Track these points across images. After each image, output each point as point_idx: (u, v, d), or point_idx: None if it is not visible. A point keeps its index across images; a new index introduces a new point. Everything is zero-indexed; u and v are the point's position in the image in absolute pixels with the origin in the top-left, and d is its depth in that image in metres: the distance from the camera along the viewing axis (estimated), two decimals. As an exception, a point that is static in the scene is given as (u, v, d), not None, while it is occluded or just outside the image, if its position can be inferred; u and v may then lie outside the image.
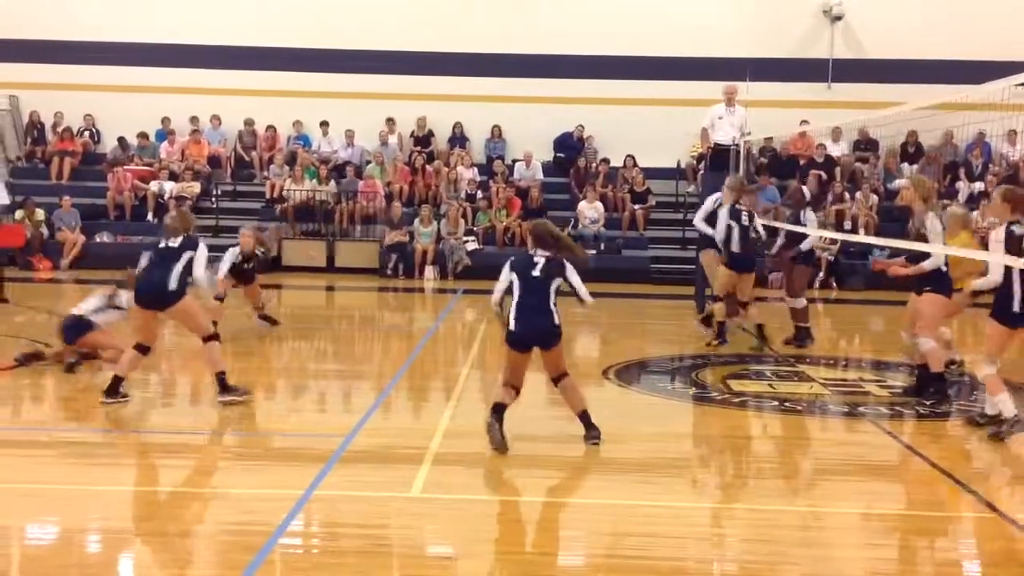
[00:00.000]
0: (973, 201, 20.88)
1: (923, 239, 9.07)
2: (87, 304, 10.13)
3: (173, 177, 21.90)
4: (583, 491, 6.71)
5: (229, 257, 12.39)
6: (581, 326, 15.33)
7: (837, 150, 22.25)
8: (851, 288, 19.24)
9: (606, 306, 16.62)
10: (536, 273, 7.55)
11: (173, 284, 8.50)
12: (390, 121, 22.88)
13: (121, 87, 22.95)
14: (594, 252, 20.44)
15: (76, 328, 9.87)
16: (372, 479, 6.76)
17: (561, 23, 22.75)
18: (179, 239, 8.75)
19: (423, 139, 23.06)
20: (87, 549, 5.60)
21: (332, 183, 21.53)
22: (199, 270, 8.67)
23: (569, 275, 7.65)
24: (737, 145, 14.79)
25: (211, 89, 23.00)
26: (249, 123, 23.19)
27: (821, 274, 19.46)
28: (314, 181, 21.55)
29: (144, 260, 8.92)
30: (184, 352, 11.01)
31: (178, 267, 8.54)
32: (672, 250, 20.78)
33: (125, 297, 9.84)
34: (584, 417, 7.68)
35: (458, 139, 23.14)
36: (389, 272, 19.92)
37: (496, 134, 23.25)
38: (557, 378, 7.71)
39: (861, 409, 9.08)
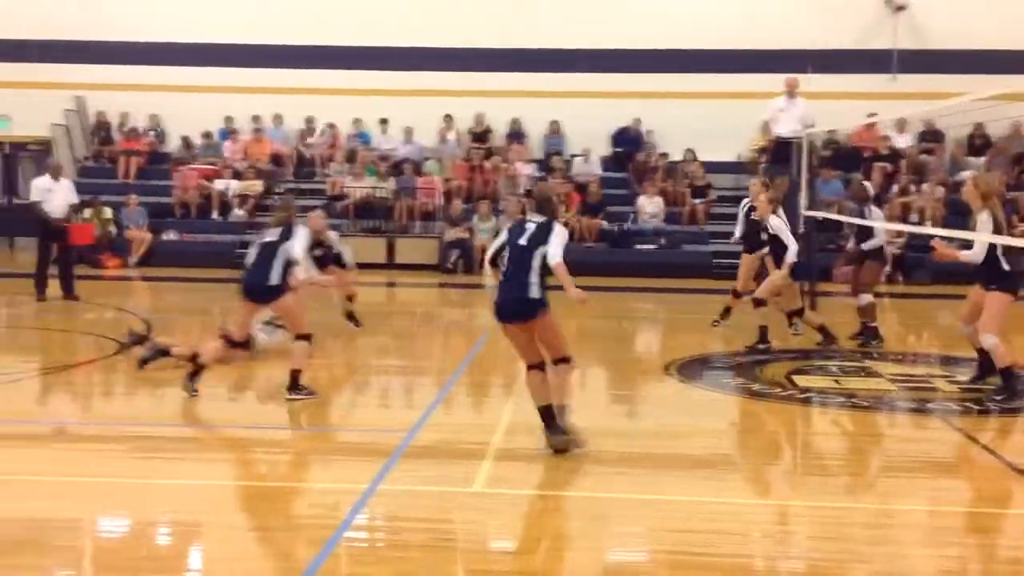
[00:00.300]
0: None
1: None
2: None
3: (236, 176, 22.18)
4: (646, 487, 6.68)
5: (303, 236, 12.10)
6: (642, 322, 15.27)
7: (902, 142, 21.87)
8: (918, 282, 18.89)
9: (667, 301, 16.54)
10: (522, 241, 7.04)
11: (274, 279, 8.57)
12: (448, 118, 22.95)
13: (185, 87, 23.30)
14: (654, 247, 20.40)
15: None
16: (435, 474, 6.79)
17: (620, 17, 22.62)
18: (277, 232, 8.80)
19: (481, 135, 23.10)
20: (156, 542, 5.69)
21: (391, 180, 21.66)
22: (296, 251, 8.66)
23: (551, 241, 6.95)
24: (799, 138, 14.61)
25: (272, 88, 23.25)
26: (310, 121, 23.41)
27: (888, 268, 19.15)
28: (374, 178, 21.71)
29: (251, 253, 8.94)
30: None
31: (277, 262, 8.60)
32: (733, 245, 20.55)
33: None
34: (546, 412, 6.98)
35: (516, 135, 23.15)
36: (449, 268, 20.00)
37: (554, 129, 23.22)
38: (555, 361, 7.01)
39: (930, 405, 8.92)
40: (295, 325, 8.83)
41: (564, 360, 7.05)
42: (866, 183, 13.33)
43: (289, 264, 8.66)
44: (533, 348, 7.02)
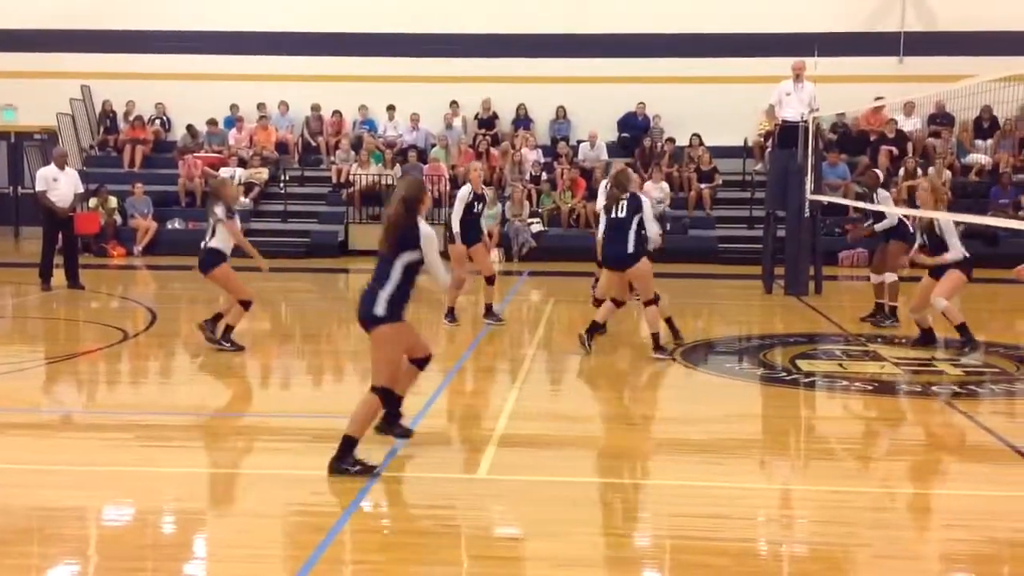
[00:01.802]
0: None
1: (938, 239, 10.41)
2: None
3: (242, 163, 22.20)
4: (650, 472, 6.68)
5: (462, 197, 11.67)
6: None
7: (909, 125, 21.80)
8: (922, 265, 18.81)
9: (672, 286, 16.51)
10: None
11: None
12: (454, 104, 22.92)
13: (190, 75, 23.31)
14: (660, 232, 20.33)
15: None
16: (439, 460, 6.80)
17: (625, 2, 22.56)
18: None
19: (487, 121, 23.07)
20: (162, 530, 5.72)
21: (397, 167, 21.65)
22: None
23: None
24: (806, 122, 14.57)
25: (278, 76, 23.27)
26: (316, 108, 23.39)
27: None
28: (380, 165, 21.69)
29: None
30: (253, 337, 11.17)
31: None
32: (739, 229, 20.56)
33: None
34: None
35: (522, 121, 23.11)
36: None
37: (560, 115, 23.18)
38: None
39: (934, 389, 8.91)
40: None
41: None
42: (876, 170, 13.28)
43: None
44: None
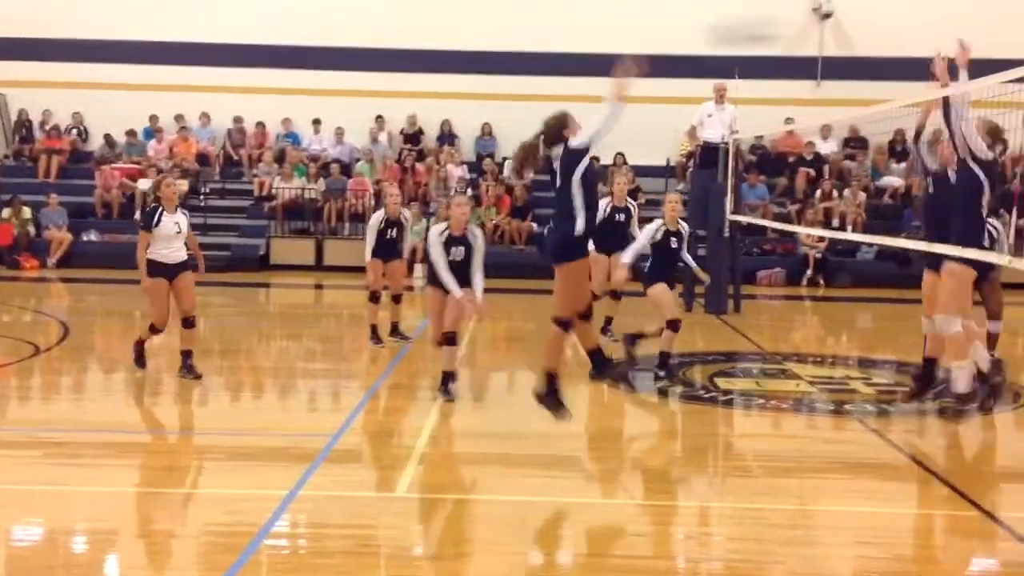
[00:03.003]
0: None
1: None
2: None
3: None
4: (569, 490, 6.70)
5: (374, 223, 11.56)
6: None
7: (826, 148, 22.29)
8: (839, 285, 19.29)
9: (596, 304, 16.60)
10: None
11: None
12: (380, 119, 22.83)
13: (109, 84, 22.86)
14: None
15: None
16: (358, 479, 6.75)
17: (550, 20, 22.72)
18: None
19: (413, 137, 23.03)
20: (71, 549, 5.57)
21: (321, 181, 21.49)
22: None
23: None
24: (726, 143, 14.82)
25: (200, 87, 22.93)
26: (238, 120, 23.12)
27: (810, 271, 19.53)
28: (303, 179, 21.51)
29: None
30: (171, 352, 10.97)
31: None
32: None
33: None
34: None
35: (447, 137, 23.12)
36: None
37: (486, 132, 23.24)
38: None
39: (847, 407, 9.10)
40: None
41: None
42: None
43: None
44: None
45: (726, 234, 14.83)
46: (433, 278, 9.01)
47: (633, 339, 10.24)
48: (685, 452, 7.91)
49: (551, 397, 7.26)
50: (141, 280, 9.49)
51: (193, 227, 9.79)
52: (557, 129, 6.90)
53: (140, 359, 9.74)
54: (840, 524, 6.12)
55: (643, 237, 10.13)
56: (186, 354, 9.58)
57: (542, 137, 7.00)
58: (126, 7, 22.93)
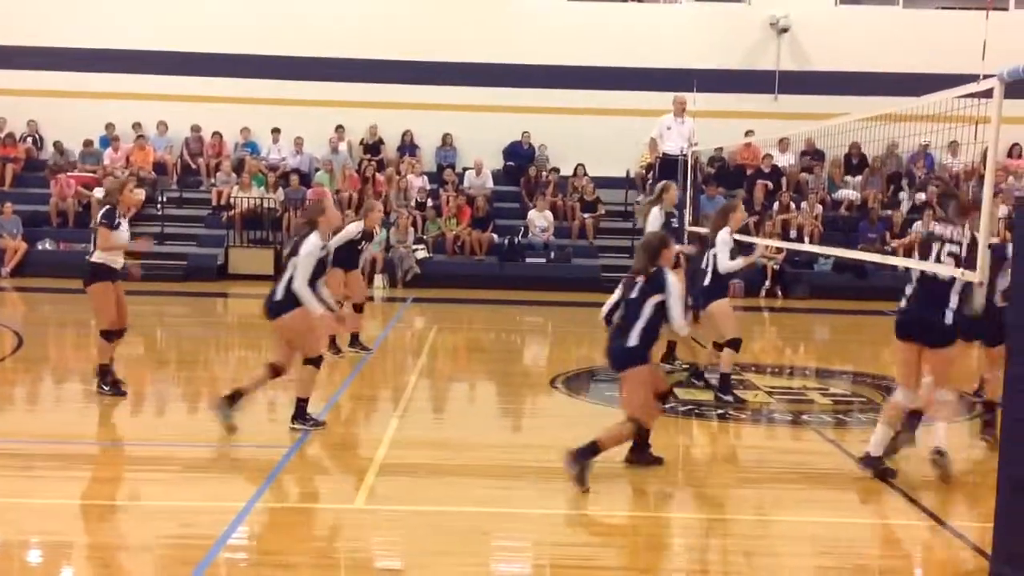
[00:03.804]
0: (916, 211, 21.26)
1: None
2: None
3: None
4: (528, 501, 6.69)
5: (349, 232, 11.35)
6: (529, 335, 15.35)
7: (784, 160, 22.51)
8: (796, 296, 19.46)
9: (555, 314, 16.66)
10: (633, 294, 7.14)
11: (279, 295, 7.89)
12: (340, 129, 22.73)
13: (65, 92, 22.57)
14: (544, 260, 20.57)
15: None
16: (316, 490, 6.70)
17: (512, 32, 22.79)
18: (291, 243, 8.19)
19: (373, 147, 22.96)
20: (25, 563, 5.47)
21: (280, 191, 21.36)
22: (296, 282, 7.81)
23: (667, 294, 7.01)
24: (685, 155, 14.91)
25: (157, 95, 22.71)
26: (196, 129, 22.93)
27: (767, 282, 19.68)
28: (262, 189, 21.37)
29: None
30: (128, 361, 10.83)
31: (285, 278, 7.87)
32: (622, 259, 20.84)
33: None
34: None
35: (408, 147, 23.08)
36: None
37: (447, 142, 23.23)
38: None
39: (805, 417, 9.17)
40: (301, 348, 8.09)
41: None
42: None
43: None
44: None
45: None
46: None
47: (700, 376, 10.20)
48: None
49: (645, 454, 7.38)
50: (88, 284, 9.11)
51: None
52: (657, 250, 7.15)
53: (115, 385, 9.18)
54: (798, 534, 6.16)
55: (341, 236, 10.89)
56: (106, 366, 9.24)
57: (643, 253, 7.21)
58: (82, 15, 22.66)
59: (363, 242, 11.75)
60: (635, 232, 20.70)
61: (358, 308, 11.87)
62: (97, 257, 9.04)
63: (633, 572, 5.50)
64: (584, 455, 6.72)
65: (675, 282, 7.08)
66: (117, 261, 9.19)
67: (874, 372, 11.77)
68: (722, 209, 9.85)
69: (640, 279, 7.11)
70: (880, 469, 7.16)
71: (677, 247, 10.19)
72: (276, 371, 8.09)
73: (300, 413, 8.08)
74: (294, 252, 7.96)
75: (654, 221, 11.04)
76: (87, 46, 22.49)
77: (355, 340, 11.92)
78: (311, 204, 8.68)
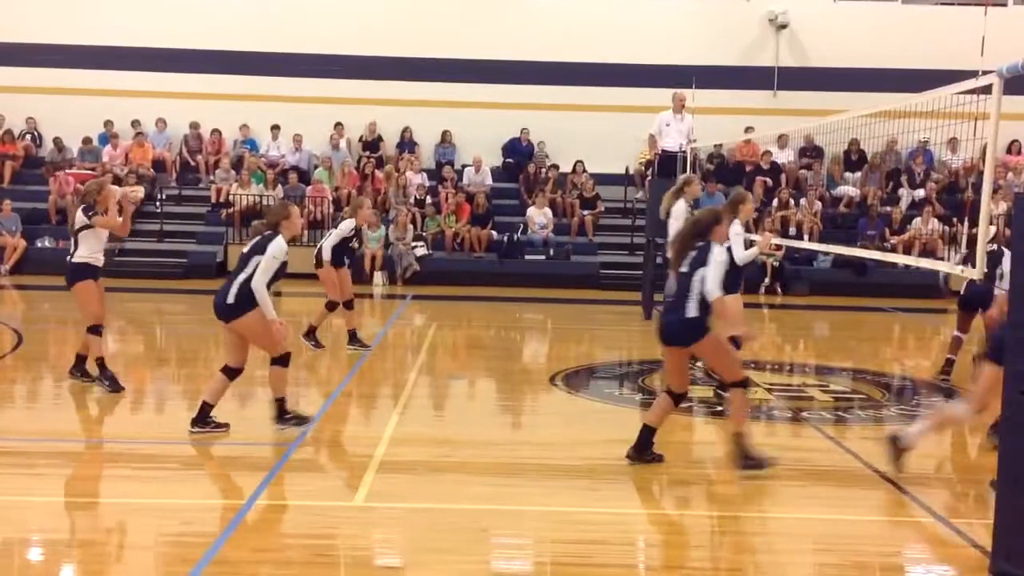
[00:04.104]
0: (915, 207, 21.28)
1: None
2: None
3: (117, 181, 21.49)
4: (529, 498, 6.69)
5: (343, 230, 11.60)
6: (530, 332, 15.35)
7: (783, 157, 22.50)
8: (796, 293, 19.47)
9: (554, 311, 16.66)
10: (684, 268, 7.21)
11: (231, 297, 7.65)
12: (339, 126, 22.73)
13: (64, 90, 22.59)
14: (543, 257, 20.56)
15: None
16: (316, 488, 6.70)
17: (511, 29, 22.78)
18: (253, 241, 7.85)
19: (372, 144, 22.95)
20: (26, 561, 5.48)
21: (279, 188, 21.35)
22: (255, 280, 7.55)
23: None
24: (684, 151, 14.91)
25: (156, 92, 22.70)
26: (195, 126, 22.92)
27: (767, 279, 19.68)
28: (261, 186, 21.35)
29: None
30: (126, 360, 10.85)
31: (242, 277, 7.61)
32: (621, 256, 20.86)
33: None
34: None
35: (407, 144, 23.07)
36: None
37: (446, 139, 23.22)
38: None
39: (804, 414, 9.17)
40: (266, 347, 7.90)
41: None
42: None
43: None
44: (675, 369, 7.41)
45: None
46: None
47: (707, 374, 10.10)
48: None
49: (750, 459, 7.26)
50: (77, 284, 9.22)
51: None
52: (708, 226, 7.25)
53: (113, 382, 9.24)
54: (798, 531, 6.16)
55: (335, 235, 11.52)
56: (83, 357, 9.42)
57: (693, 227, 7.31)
58: (81, 12, 22.66)
59: (355, 240, 11.83)
60: (635, 229, 20.71)
61: (349, 304, 11.90)
62: (79, 257, 9.14)
63: (633, 569, 5.50)
64: (741, 451, 7.12)
65: (720, 252, 7.11)
66: (98, 259, 9.28)
67: (874, 369, 11.78)
68: (731, 201, 9.81)
69: (692, 253, 7.18)
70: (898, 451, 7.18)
71: None
72: (232, 373, 7.93)
73: (280, 413, 7.99)
74: (258, 250, 7.68)
75: (680, 213, 11.19)
76: (86, 43, 22.49)
77: (353, 337, 11.94)
78: (276, 206, 8.53)
